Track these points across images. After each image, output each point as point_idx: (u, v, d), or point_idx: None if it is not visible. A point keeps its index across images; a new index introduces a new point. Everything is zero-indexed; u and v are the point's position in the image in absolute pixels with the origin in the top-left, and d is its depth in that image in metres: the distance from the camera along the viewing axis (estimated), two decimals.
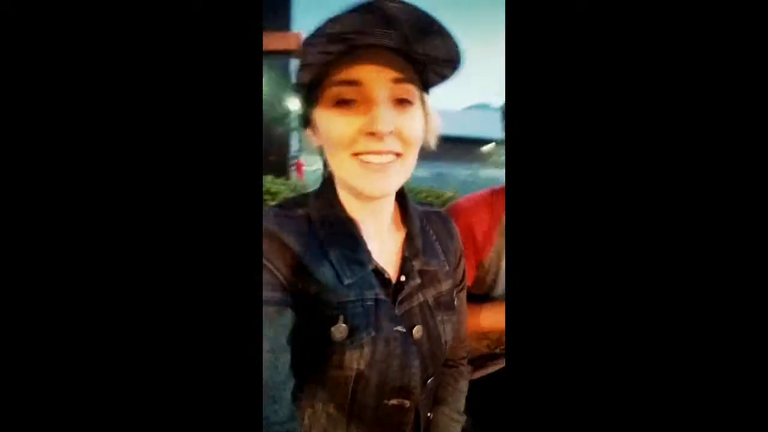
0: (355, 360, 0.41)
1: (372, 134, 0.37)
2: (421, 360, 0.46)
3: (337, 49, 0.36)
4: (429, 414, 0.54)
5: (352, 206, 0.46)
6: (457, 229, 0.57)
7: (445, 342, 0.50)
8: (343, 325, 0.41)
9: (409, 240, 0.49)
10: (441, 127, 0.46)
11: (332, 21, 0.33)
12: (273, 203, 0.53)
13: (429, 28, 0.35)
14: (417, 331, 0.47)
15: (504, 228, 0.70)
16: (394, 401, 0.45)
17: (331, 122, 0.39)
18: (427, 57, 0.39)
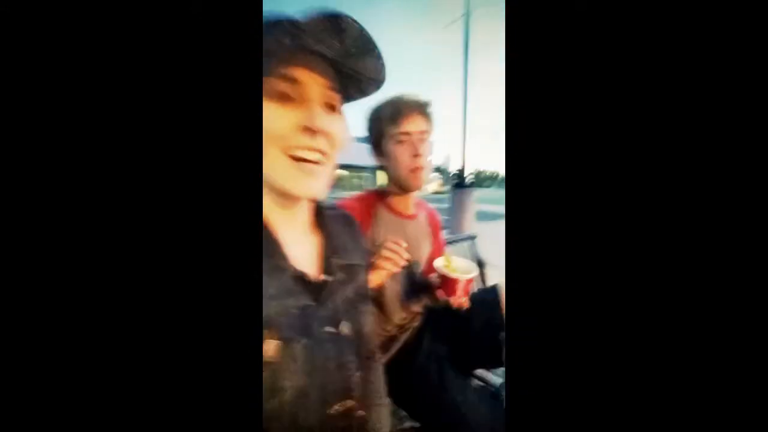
0: (295, 372, 0.40)
1: (307, 129, 0.39)
2: (349, 354, 0.47)
3: (289, 43, 0.38)
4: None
5: (270, 211, 0.45)
6: (358, 226, 0.60)
7: (367, 334, 0.51)
8: (272, 340, 0.39)
9: (326, 241, 0.51)
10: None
11: (297, 18, 0.36)
12: None
13: (368, 48, 0.41)
14: (344, 326, 0.47)
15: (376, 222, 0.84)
16: (337, 406, 0.43)
17: (270, 114, 0.40)
18: (357, 73, 0.44)
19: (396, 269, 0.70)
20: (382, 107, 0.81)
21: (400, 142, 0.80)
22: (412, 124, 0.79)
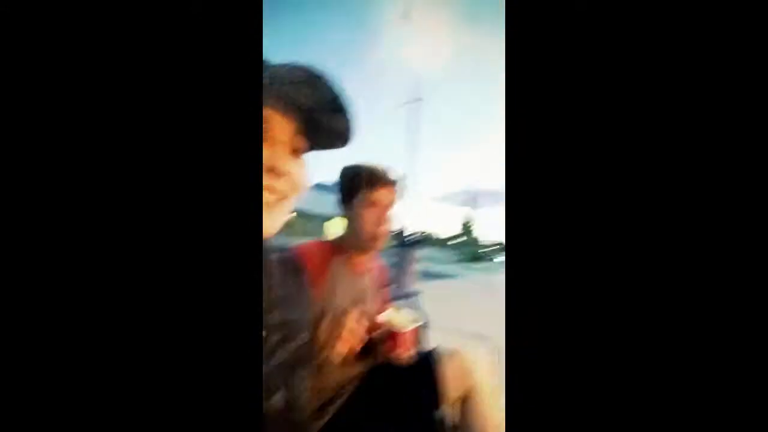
0: None
1: (271, 169, 0.39)
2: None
3: (267, 83, 0.38)
4: None
5: None
6: (308, 276, 0.58)
7: (301, 406, 0.47)
8: None
9: (267, 291, 0.45)
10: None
11: (279, 64, 0.37)
12: None
13: (341, 106, 0.41)
14: (277, 398, 0.43)
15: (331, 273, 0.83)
16: None
17: None
18: (326, 127, 0.43)
19: (359, 344, 0.68)
20: (361, 170, 0.87)
21: (371, 206, 0.85)
22: (384, 195, 0.86)
